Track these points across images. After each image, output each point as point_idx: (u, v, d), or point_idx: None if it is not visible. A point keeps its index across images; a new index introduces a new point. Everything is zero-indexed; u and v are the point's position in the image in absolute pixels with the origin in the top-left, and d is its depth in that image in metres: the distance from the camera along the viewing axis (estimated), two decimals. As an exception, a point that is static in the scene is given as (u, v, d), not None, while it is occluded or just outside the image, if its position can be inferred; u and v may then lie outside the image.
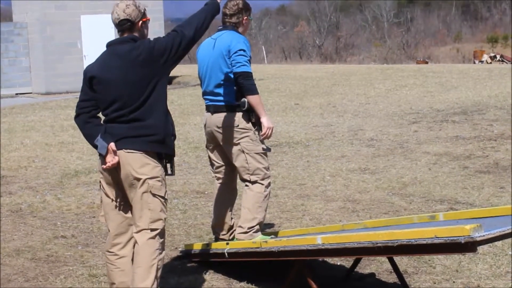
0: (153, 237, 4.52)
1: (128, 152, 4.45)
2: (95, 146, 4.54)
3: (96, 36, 24.04)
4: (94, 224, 7.32)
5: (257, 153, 5.66)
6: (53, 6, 24.45)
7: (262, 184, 5.70)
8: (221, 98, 5.64)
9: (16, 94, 24.76)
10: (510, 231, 4.09)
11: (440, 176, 9.06)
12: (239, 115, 5.60)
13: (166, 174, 4.63)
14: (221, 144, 5.77)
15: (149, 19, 4.68)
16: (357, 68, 29.20)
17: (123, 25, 4.54)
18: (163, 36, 4.57)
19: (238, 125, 5.60)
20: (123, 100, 4.45)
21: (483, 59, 44.73)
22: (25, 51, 25.38)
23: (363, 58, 60.93)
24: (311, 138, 12.28)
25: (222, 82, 5.61)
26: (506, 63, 40.42)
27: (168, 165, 4.66)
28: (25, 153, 11.50)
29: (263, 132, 5.61)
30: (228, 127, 5.63)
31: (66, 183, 9.25)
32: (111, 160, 4.45)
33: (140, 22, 4.57)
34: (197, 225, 7.22)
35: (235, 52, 5.50)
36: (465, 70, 25.18)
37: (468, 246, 3.82)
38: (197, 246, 6.03)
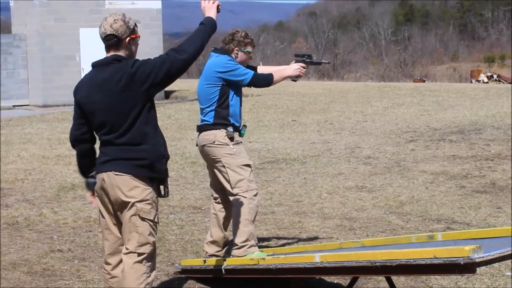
0: (140, 261, 4.44)
1: (117, 174, 4.39)
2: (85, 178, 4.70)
3: (94, 49, 24.02)
4: (91, 238, 7.30)
5: (237, 166, 5.80)
6: (52, 19, 24.50)
7: (245, 196, 5.78)
8: (202, 117, 5.95)
9: (14, 106, 24.75)
10: (509, 252, 4.09)
11: (437, 195, 9.07)
12: (215, 132, 5.84)
13: (159, 196, 4.55)
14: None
15: (139, 36, 4.50)
16: (354, 86, 29.25)
17: (109, 40, 4.39)
18: (154, 57, 4.39)
19: (214, 142, 5.83)
20: (109, 126, 4.38)
21: (480, 79, 44.88)
22: (23, 63, 25.41)
23: (360, 76, 61.08)
24: (308, 155, 12.28)
25: (205, 102, 5.92)
26: (503, 82, 40.54)
27: (162, 187, 4.56)
28: (21, 165, 11.48)
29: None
30: (207, 145, 5.88)
31: (63, 196, 9.23)
32: (92, 199, 4.67)
33: (128, 38, 4.41)
34: (194, 240, 7.21)
35: (229, 71, 5.81)
36: (462, 89, 25.24)
37: (467, 267, 3.82)
38: (194, 262, 6.01)
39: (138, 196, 4.39)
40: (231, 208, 5.99)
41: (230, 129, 5.83)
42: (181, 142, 14.02)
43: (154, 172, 4.44)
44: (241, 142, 5.95)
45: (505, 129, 14.54)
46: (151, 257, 4.51)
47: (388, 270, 4.22)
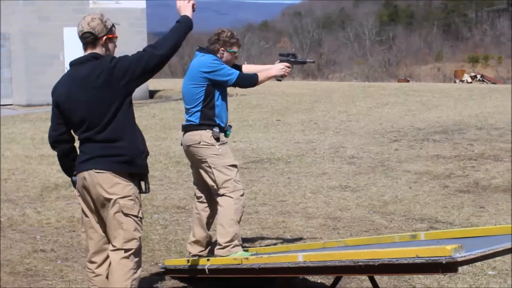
0: (127, 257, 4.47)
1: (97, 172, 4.41)
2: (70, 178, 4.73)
3: (78, 48, 23.91)
4: (74, 238, 7.27)
5: (223, 166, 5.79)
6: (36, 18, 24.41)
7: (231, 197, 5.77)
8: (188, 117, 5.93)
9: (-3, 105, 24.63)
10: (490, 252, 4.11)
11: (421, 195, 9.10)
12: (201, 133, 5.82)
13: (140, 192, 4.57)
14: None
15: (116, 37, 4.55)
16: (339, 85, 29.32)
17: (86, 38, 4.46)
18: (132, 54, 4.46)
19: (200, 142, 5.81)
20: (89, 121, 4.41)
21: (463, 79, 45.10)
22: (7, 62, 25.29)
23: (345, 76, 61.24)
24: (292, 154, 12.29)
25: (190, 102, 5.90)
26: (487, 83, 40.75)
27: (142, 183, 4.59)
28: (5, 165, 11.43)
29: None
30: (192, 146, 5.87)
31: (46, 196, 9.20)
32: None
33: (105, 37, 4.47)
34: (177, 240, 7.20)
35: (214, 71, 5.79)
36: (446, 89, 25.35)
37: (449, 267, 3.82)
38: (178, 262, 6.01)
39: (120, 192, 4.41)
40: (215, 207, 5.98)
41: (216, 129, 5.80)
42: (165, 141, 13.99)
43: (134, 168, 4.47)
44: (226, 142, 5.94)
45: (488, 129, 14.61)
46: (137, 253, 4.52)
47: (371, 269, 4.23)
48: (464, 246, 3.92)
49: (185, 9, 4.60)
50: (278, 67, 6.06)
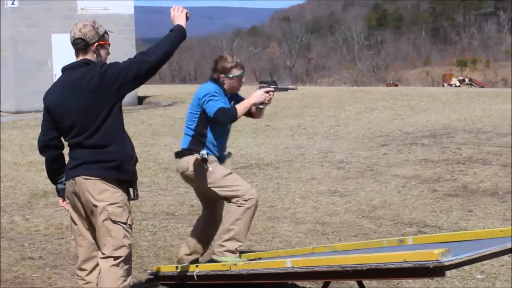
0: (117, 265, 4.45)
1: (85, 178, 4.41)
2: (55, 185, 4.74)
3: (66, 55, 23.89)
4: (63, 245, 7.26)
5: (221, 180, 5.73)
6: (25, 24, 24.36)
7: (242, 204, 5.71)
8: (181, 144, 5.93)
9: (-14, 112, 24.55)
10: (478, 255, 4.13)
11: (409, 199, 9.12)
12: (188, 159, 5.79)
13: (129, 199, 4.56)
14: None
15: (108, 44, 4.57)
16: (328, 90, 29.37)
17: (77, 44, 4.48)
18: (123, 61, 4.46)
19: (188, 169, 5.77)
20: (79, 126, 4.41)
21: (452, 83, 45.27)
22: (-4, 69, 25.22)
23: (334, 80, 61.37)
24: (281, 159, 12.31)
25: (186, 126, 5.89)
26: (475, 86, 40.92)
27: (131, 190, 4.58)
28: (-7, 172, 11.39)
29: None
30: (183, 173, 5.87)
31: (34, 203, 9.17)
32: (64, 205, 4.69)
33: (96, 44, 4.49)
34: (166, 247, 7.19)
35: (203, 103, 5.72)
36: (434, 93, 25.43)
37: (437, 271, 3.84)
38: (166, 269, 6.00)
39: (108, 199, 4.40)
40: (215, 224, 6.00)
41: (203, 151, 5.70)
42: (154, 148, 13.98)
43: (123, 174, 4.46)
44: (215, 160, 5.83)
45: (476, 133, 14.66)
46: (127, 260, 4.51)
47: (359, 274, 4.24)
48: (452, 250, 3.94)
49: (179, 19, 4.60)
50: (258, 94, 5.77)
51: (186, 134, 5.87)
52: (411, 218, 8.17)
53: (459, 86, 42.95)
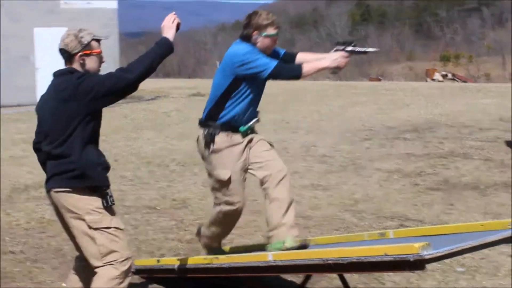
0: (108, 269, 4.32)
1: (57, 191, 4.35)
2: None
3: (49, 49, 23.79)
4: (44, 239, 7.22)
5: (214, 180, 5.43)
6: (7, 19, 24.19)
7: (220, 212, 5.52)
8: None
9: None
10: (458, 249, 4.14)
11: (391, 193, 9.15)
12: (200, 131, 5.33)
13: (103, 206, 4.38)
14: None
15: (97, 52, 4.41)
16: (311, 85, 29.39)
17: (62, 55, 4.41)
18: (103, 74, 4.32)
19: (197, 142, 5.39)
20: (51, 134, 4.36)
21: (435, 78, 45.43)
22: (-21, 63, 25.04)
23: (317, 75, 61.38)
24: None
25: (210, 94, 5.36)
26: (458, 81, 41.09)
27: (104, 196, 4.40)
28: (-26, 166, 11.32)
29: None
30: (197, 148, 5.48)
31: (15, 197, 9.12)
32: None
33: (80, 54, 4.36)
34: (148, 240, 7.18)
35: (246, 64, 5.08)
36: (417, 88, 25.51)
37: (417, 264, 3.85)
38: (148, 262, 5.99)
39: (83, 208, 4.31)
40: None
41: (212, 129, 5.24)
42: (137, 142, 13.94)
43: (90, 181, 4.32)
44: (230, 146, 5.27)
45: (458, 128, 14.72)
46: (123, 262, 4.37)
47: (339, 267, 4.25)
48: (432, 243, 3.95)
49: (168, 30, 4.42)
50: (332, 57, 5.21)
51: (208, 102, 5.33)
52: (393, 212, 8.20)
53: (442, 81, 43.13)
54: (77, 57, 4.37)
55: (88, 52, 4.38)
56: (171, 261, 5.62)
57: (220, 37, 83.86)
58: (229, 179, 5.32)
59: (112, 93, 4.29)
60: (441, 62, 73.95)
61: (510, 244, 4.71)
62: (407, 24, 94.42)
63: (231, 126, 5.25)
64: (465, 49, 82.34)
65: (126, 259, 4.41)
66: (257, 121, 5.43)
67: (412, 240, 4.77)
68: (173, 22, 4.43)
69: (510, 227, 4.64)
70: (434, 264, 6.10)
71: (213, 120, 5.25)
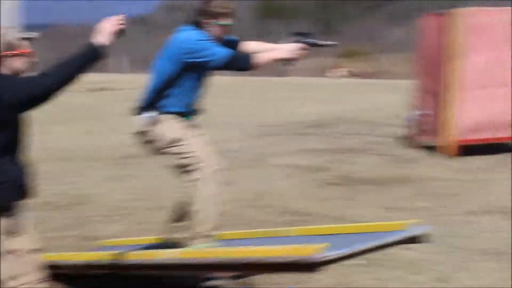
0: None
1: None
2: None
3: None
4: None
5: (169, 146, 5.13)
6: None
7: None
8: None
9: None
10: (357, 250, 4.21)
11: (295, 188, 9.27)
12: (142, 119, 5.10)
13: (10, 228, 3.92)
14: None
15: (25, 52, 3.85)
16: (220, 79, 29.37)
17: None
18: (24, 77, 3.80)
19: (137, 131, 5.17)
20: None
21: (339, 73, 46.18)
22: None
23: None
24: (169, 149, 12.23)
25: (151, 79, 5.12)
26: (361, 77, 41.88)
27: (8, 216, 3.93)
28: None
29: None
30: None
31: None
32: None
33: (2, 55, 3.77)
34: (47, 238, 7.04)
35: (196, 52, 4.83)
36: (321, 84, 25.94)
37: (315, 266, 3.88)
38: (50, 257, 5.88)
39: None
40: None
41: (150, 113, 4.99)
42: (44, 136, 13.62)
43: None
44: (170, 120, 5.03)
45: (359, 123, 15.04)
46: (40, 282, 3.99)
47: (239, 267, 4.28)
48: (333, 244, 3.99)
49: (103, 35, 3.77)
50: (289, 48, 4.91)
51: (148, 89, 5.08)
52: (297, 207, 8.29)
53: (345, 77, 43.86)
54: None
55: (11, 52, 3.81)
56: (49, 257, 5.31)
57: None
58: (180, 135, 5.02)
59: (27, 101, 3.72)
60: (345, 58, 75.14)
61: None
62: (311, 19, 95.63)
63: (175, 116, 5.05)
64: (368, 45, 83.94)
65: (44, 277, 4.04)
66: (200, 112, 5.30)
67: (314, 239, 4.84)
68: (114, 27, 3.79)
69: (407, 228, 4.74)
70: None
71: (155, 108, 5.01)
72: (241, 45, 5.14)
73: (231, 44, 5.06)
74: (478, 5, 13.84)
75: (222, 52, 4.81)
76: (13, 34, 3.89)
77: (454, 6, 12.62)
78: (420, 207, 8.18)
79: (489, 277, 5.85)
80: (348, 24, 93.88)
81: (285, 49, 4.93)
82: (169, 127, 5.02)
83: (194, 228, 5.01)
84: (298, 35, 5.01)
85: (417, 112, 12.01)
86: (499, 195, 8.68)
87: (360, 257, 6.24)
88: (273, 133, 13.95)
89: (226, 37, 5.05)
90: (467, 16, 11.00)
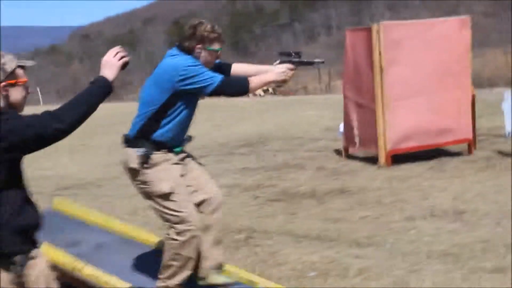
0: None
1: None
2: None
3: None
4: None
5: (157, 196, 5.01)
6: None
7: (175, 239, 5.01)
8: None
9: None
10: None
11: (234, 207, 9.35)
12: (129, 151, 5.02)
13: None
14: None
15: (22, 81, 3.45)
16: (134, 106, 29.25)
17: None
18: (27, 115, 3.38)
19: (126, 164, 5.06)
20: None
21: (257, 93, 46.46)
22: None
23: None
24: (103, 178, 12.18)
25: (140, 108, 5.02)
26: (277, 95, 42.28)
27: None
28: None
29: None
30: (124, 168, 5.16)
31: None
32: None
33: (3, 84, 3.38)
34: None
35: (189, 78, 4.72)
36: (244, 104, 26.11)
37: None
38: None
39: None
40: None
41: (143, 150, 4.87)
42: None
43: None
44: (166, 161, 4.93)
45: (289, 140, 15.26)
46: None
47: None
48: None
49: (111, 68, 3.56)
50: (278, 70, 4.90)
51: (137, 117, 4.96)
52: (240, 225, 8.37)
53: (263, 95, 44.21)
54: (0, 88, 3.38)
55: (12, 81, 3.42)
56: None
57: (36, 62, 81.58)
58: (172, 189, 4.87)
59: (32, 143, 3.35)
60: (259, 77, 75.82)
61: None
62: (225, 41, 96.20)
63: (167, 146, 4.92)
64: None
65: None
66: (190, 139, 5.20)
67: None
68: (119, 59, 3.60)
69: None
70: (286, 271, 6.38)
71: (145, 138, 4.88)
72: (225, 67, 5.09)
73: (222, 69, 5.02)
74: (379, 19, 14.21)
75: (216, 78, 4.73)
76: (10, 61, 3.46)
77: (360, 23, 12.97)
78: (362, 216, 8.39)
79: (438, 278, 6.06)
80: (260, 43, 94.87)
81: (275, 71, 4.91)
82: (162, 175, 4.89)
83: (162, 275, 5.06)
84: (284, 55, 5.01)
85: (347, 125, 12.30)
86: (435, 200, 8.98)
87: (310, 269, 6.44)
88: (204, 155, 14.00)
89: (217, 61, 5.02)
90: (386, 30, 11.34)
